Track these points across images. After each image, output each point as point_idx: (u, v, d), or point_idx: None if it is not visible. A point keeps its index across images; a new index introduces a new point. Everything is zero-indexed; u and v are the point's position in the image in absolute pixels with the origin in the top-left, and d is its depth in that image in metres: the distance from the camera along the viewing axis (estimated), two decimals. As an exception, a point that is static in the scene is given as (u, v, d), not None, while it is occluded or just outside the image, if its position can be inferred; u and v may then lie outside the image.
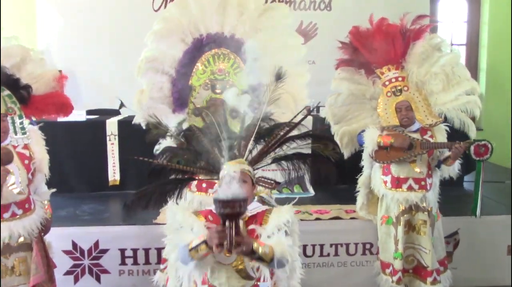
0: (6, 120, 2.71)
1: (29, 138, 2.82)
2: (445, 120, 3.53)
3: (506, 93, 7.12)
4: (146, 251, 3.78)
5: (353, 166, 3.70)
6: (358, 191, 3.74)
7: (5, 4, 6.17)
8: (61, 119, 4.76)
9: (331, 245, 3.93)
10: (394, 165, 3.44)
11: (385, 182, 3.49)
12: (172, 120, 3.28)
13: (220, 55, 3.43)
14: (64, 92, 3.13)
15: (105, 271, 3.80)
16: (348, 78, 3.70)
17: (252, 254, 2.03)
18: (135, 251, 3.79)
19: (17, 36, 2.87)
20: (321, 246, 3.92)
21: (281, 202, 2.56)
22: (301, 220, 3.92)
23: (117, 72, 5.96)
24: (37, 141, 2.87)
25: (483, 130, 6.71)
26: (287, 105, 3.32)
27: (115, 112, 5.58)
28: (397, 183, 3.43)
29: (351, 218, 4.00)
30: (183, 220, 2.29)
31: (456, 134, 3.58)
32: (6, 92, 2.76)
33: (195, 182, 3.18)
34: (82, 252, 3.76)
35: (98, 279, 3.79)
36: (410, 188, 3.40)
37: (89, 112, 5.47)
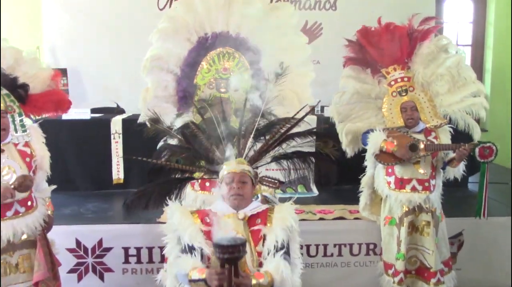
0: (6, 117, 2.71)
1: (29, 135, 2.81)
2: (449, 121, 3.52)
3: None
4: (150, 249, 3.78)
5: (357, 166, 3.70)
6: (361, 192, 3.74)
7: (11, 2, 6.19)
8: (66, 117, 4.84)
9: (334, 245, 3.91)
10: (398, 166, 3.43)
11: (389, 183, 3.48)
12: (176, 120, 3.30)
13: (225, 54, 3.43)
14: (69, 91, 3.14)
15: (109, 270, 3.80)
16: (354, 77, 3.70)
17: None
18: (138, 249, 3.79)
19: (7, 39, 2.86)
20: (325, 246, 3.91)
21: (285, 202, 2.55)
22: (305, 220, 3.93)
23: (122, 70, 5.97)
24: (37, 138, 2.87)
25: (488, 131, 6.69)
26: (291, 104, 3.33)
27: (120, 111, 5.60)
28: (401, 184, 3.42)
29: (355, 218, 3.98)
30: (179, 222, 2.31)
31: (460, 136, 3.57)
32: (4, 91, 2.76)
33: (198, 181, 3.18)
34: (85, 250, 3.77)
35: (101, 277, 3.80)
36: (413, 189, 3.39)
37: (93, 111, 5.47)
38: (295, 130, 2.61)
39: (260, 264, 2.25)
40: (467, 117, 3.51)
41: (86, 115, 5.27)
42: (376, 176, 3.59)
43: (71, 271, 3.74)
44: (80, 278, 3.78)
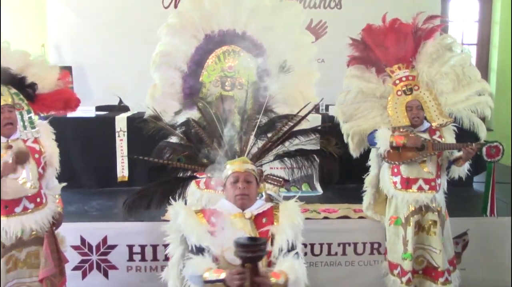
0: (13, 111, 2.72)
1: (38, 132, 2.83)
2: (454, 120, 3.50)
3: (517, 93, 7.06)
4: (154, 247, 3.79)
5: (362, 165, 3.69)
6: (364, 191, 3.73)
7: (17, 0, 6.21)
8: (70, 115, 4.85)
9: (339, 244, 3.91)
10: (404, 165, 3.41)
11: (395, 183, 3.46)
12: (181, 118, 3.30)
13: (231, 52, 3.43)
14: (74, 89, 3.15)
15: (113, 267, 3.81)
16: (358, 76, 3.68)
17: None
18: (143, 247, 3.80)
19: (9, 41, 2.87)
20: (329, 245, 3.90)
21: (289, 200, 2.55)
22: (309, 218, 3.92)
23: (127, 68, 5.97)
24: (47, 135, 2.89)
25: (493, 130, 6.66)
26: (296, 103, 3.32)
27: (125, 108, 5.60)
28: (407, 183, 3.40)
29: (359, 217, 3.98)
30: (185, 222, 2.28)
31: (464, 134, 3.55)
32: (12, 90, 2.79)
33: (203, 180, 3.18)
34: (90, 247, 3.78)
35: (106, 275, 3.81)
36: (420, 189, 3.37)
37: (98, 108, 5.49)
38: (299, 128, 2.60)
39: (269, 264, 2.23)
40: (472, 116, 3.50)
41: (91, 112, 5.28)
42: (381, 176, 3.58)
43: (76, 268, 3.75)
44: (84, 275, 3.79)
